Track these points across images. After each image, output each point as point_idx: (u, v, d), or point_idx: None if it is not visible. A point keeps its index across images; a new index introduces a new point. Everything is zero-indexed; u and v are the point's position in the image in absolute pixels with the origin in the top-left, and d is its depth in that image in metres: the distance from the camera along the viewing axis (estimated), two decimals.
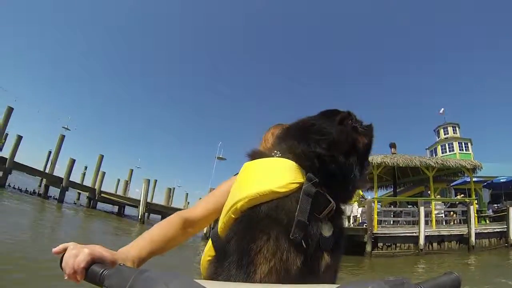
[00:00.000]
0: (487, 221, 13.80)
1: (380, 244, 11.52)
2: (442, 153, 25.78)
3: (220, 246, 0.77)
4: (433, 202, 12.44)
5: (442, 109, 28.29)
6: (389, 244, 11.55)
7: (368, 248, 11.22)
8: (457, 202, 13.55)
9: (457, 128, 26.55)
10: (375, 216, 11.90)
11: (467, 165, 12.96)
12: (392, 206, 14.57)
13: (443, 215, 12.96)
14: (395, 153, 14.04)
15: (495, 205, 14.63)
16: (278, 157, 0.79)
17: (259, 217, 0.69)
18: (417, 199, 12.76)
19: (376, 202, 12.53)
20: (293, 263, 0.65)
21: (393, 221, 12.91)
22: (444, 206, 13.56)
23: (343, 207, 0.81)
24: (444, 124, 26.95)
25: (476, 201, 13.08)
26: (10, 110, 17.13)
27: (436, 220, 12.17)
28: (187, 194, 48.08)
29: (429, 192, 13.67)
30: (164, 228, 0.93)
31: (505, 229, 12.11)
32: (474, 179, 14.22)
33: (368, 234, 11.38)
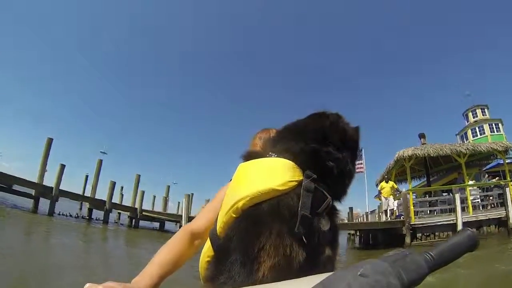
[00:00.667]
0: None
1: (418, 235, 11.80)
2: (473, 137, 25.16)
3: (220, 246, 0.78)
4: (468, 188, 12.58)
5: (468, 92, 28.17)
6: (427, 233, 11.80)
7: (408, 239, 11.53)
8: (492, 186, 13.56)
9: (486, 110, 25.85)
10: (411, 207, 12.19)
11: (498, 148, 12.98)
12: (427, 196, 14.77)
13: (478, 200, 13.01)
14: (425, 143, 14.28)
15: None
16: (274, 156, 0.82)
17: (261, 214, 0.71)
18: (451, 186, 12.92)
19: (411, 193, 12.85)
20: (296, 258, 0.67)
21: (430, 211, 13.13)
22: (480, 191, 13.57)
23: (336, 203, 0.83)
24: (472, 107, 26.25)
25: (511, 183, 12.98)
26: (49, 141, 18.37)
27: (472, 206, 12.30)
28: None
29: (463, 179, 13.77)
30: (173, 248, 0.99)
31: None
32: (508, 160, 14.14)
33: (406, 226, 11.70)
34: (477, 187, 13.86)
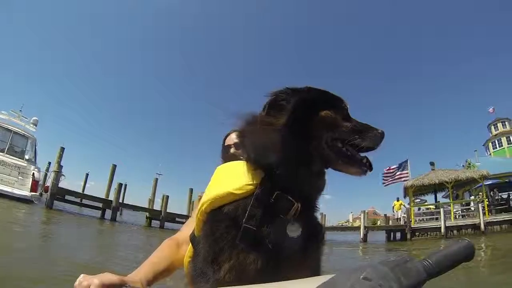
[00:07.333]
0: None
1: (417, 233, 18.54)
2: (493, 149, 29.36)
3: (195, 246, 0.85)
4: (452, 204, 19.05)
5: (492, 108, 30.99)
6: (423, 233, 18.51)
7: (408, 236, 18.32)
8: (471, 201, 19.71)
9: (506, 123, 29.13)
10: (412, 217, 19.02)
11: (475, 176, 18.78)
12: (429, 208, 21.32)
13: (460, 211, 19.40)
14: (434, 169, 20.54)
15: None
16: (242, 160, 0.83)
17: (220, 218, 0.74)
18: (438, 204, 19.59)
19: (412, 208, 19.78)
20: (253, 263, 0.69)
21: (427, 219, 19.71)
22: (460, 206, 19.92)
23: (316, 203, 0.83)
24: (494, 121, 29.81)
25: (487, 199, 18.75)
26: (114, 167, 22.58)
27: (455, 215, 18.69)
28: None
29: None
30: (160, 251, 1.06)
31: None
32: (489, 182, 20.27)
33: (407, 228, 18.51)
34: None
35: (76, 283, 0.72)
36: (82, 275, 0.74)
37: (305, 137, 0.78)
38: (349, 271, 0.44)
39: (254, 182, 0.75)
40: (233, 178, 0.79)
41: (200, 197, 1.04)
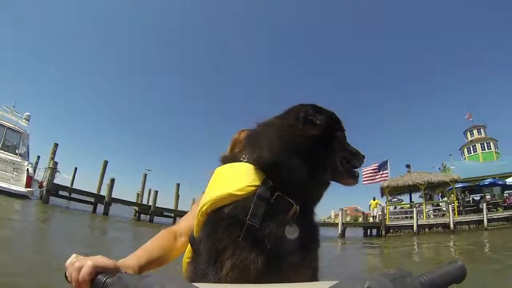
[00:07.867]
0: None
1: (391, 230, 19.93)
2: (468, 154, 30.71)
3: (195, 247, 0.85)
4: (424, 204, 20.48)
5: (468, 113, 32.33)
6: (396, 230, 19.92)
7: (383, 232, 19.69)
8: (440, 203, 21.29)
9: (482, 130, 30.61)
10: (387, 215, 20.44)
11: (446, 179, 20.35)
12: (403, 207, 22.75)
13: (431, 211, 20.90)
14: (410, 171, 21.99)
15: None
16: (244, 161, 0.85)
17: (221, 218, 0.75)
18: (412, 203, 21.00)
19: (387, 207, 21.13)
20: (253, 262, 0.70)
21: (402, 217, 21.15)
22: (432, 206, 21.49)
23: (313, 207, 0.86)
24: (470, 128, 31.17)
25: (457, 201, 20.36)
26: (105, 163, 22.66)
27: (427, 215, 20.15)
28: None
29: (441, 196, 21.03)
30: (157, 239, 1.03)
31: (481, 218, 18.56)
32: (461, 185, 21.67)
33: (382, 225, 19.93)
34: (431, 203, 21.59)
35: (68, 262, 0.70)
36: (74, 254, 0.72)
37: (327, 150, 0.85)
38: (352, 279, 0.48)
39: (256, 184, 0.77)
40: (234, 179, 0.80)
41: (195, 202, 1.15)
